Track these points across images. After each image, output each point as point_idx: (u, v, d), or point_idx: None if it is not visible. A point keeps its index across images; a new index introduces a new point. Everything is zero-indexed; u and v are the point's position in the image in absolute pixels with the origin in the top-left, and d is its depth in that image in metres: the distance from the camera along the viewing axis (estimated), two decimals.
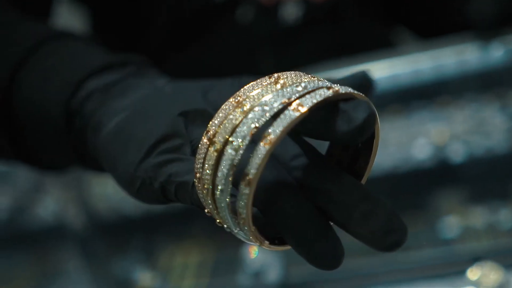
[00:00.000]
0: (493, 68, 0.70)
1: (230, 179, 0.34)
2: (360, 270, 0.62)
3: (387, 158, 0.70)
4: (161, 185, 0.39)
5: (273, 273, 0.62)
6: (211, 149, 0.34)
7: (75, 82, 0.47)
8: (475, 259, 0.59)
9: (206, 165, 0.35)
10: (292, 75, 0.36)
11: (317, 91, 0.34)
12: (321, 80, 0.36)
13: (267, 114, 0.33)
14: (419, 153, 0.69)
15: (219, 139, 0.34)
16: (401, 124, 0.72)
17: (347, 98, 0.34)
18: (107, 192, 0.74)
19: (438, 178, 0.69)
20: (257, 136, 0.34)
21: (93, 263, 0.73)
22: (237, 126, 0.33)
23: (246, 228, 0.34)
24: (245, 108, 0.34)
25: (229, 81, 0.44)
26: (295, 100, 0.33)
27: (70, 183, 0.75)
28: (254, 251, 0.64)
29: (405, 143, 0.70)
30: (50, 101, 0.48)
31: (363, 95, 0.35)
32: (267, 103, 0.33)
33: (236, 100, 0.35)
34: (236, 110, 0.34)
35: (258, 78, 0.40)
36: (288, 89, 0.34)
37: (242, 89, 0.35)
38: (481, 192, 0.67)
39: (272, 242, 0.36)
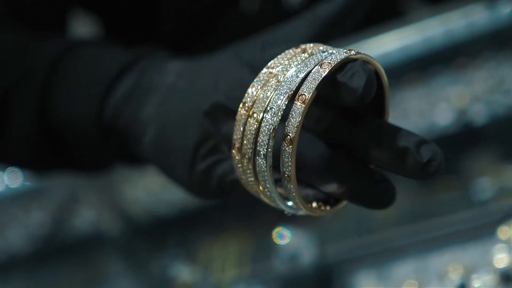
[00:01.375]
0: (503, 25, 0.69)
1: (272, 182, 0.35)
2: (393, 243, 0.62)
3: (411, 128, 0.70)
4: (216, 185, 0.42)
5: (308, 255, 0.62)
6: (244, 160, 0.36)
7: (97, 102, 0.49)
8: (505, 217, 0.58)
9: (246, 175, 0.37)
10: (280, 61, 0.37)
11: (311, 75, 0.35)
12: (310, 54, 0.36)
13: (277, 116, 0.35)
14: (442, 120, 0.68)
15: (247, 151, 0.36)
16: (421, 92, 0.70)
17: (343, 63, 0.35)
18: (140, 196, 0.75)
19: (464, 142, 0.67)
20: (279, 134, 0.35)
21: (135, 265, 0.74)
22: (257, 135, 0.35)
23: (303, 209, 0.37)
24: (255, 116, 0.35)
25: (226, 59, 0.44)
26: (296, 91, 0.35)
27: (103, 191, 0.75)
28: (279, 238, 0.66)
29: (427, 110, 0.69)
30: (81, 120, 0.50)
31: (356, 52, 0.35)
32: (272, 103, 0.35)
33: (246, 108, 0.36)
34: (250, 120, 0.35)
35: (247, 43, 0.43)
36: (285, 81, 0.35)
37: (247, 93, 0.36)
38: (509, 150, 0.66)
39: (326, 206, 0.39)
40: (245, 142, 0.36)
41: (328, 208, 0.38)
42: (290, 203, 0.37)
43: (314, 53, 0.36)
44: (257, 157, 0.35)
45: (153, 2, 0.78)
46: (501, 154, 0.66)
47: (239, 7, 0.77)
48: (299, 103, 0.34)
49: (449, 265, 0.57)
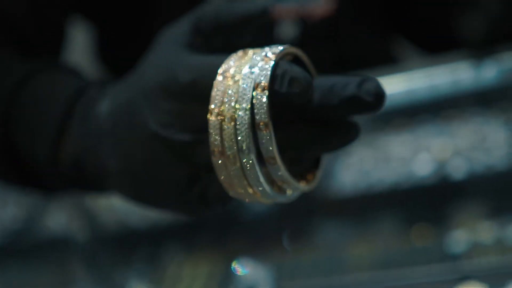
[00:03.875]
0: (488, 86, 0.70)
1: (260, 169, 0.38)
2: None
3: (390, 174, 0.69)
4: (213, 204, 0.43)
5: None
6: (229, 162, 0.38)
7: (50, 153, 0.50)
8: (462, 278, 0.58)
9: (234, 177, 0.38)
10: (217, 102, 0.38)
11: (256, 104, 0.37)
12: (235, 82, 0.38)
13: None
14: (422, 169, 0.68)
15: (231, 150, 0.38)
16: (405, 139, 0.71)
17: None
18: (113, 204, 0.74)
19: (441, 194, 0.68)
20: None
21: (99, 275, 0.73)
22: (236, 134, 0.37)
23: (294, 184, 0.39)
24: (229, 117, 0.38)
25: (151, 89, 0.43)
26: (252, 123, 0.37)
27: (77, 195, 0.76)
28: (241, 269, 0.66)
29: (408, 158, 0.69)
30: (39, 163, 0.51)
31: (273, 53, 0.38)
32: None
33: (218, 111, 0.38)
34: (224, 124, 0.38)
35: None
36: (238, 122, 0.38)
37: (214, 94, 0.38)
38: (486, 207, 0.67)
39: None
40: (225, 143, 0.38)
41: (310, 175, 0.41)
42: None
43: (238, 78, 0.38)
44: (241, 153, 0.37)
45: (153, 9, 0.79)
46: (477, 211, 0.66)
47: None
48: (264, 131, 0.37)
49: None
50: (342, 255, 0.66)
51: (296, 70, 0.37)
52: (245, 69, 0.38)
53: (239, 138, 0.37)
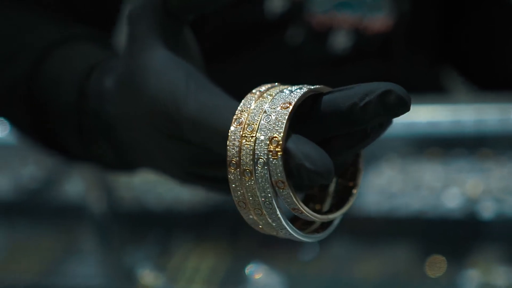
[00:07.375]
0: None
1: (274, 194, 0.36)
2: None
3: (416, 201, 0.69)
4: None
5: None
6: (245, 176, 0.36)
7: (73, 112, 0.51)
8: None
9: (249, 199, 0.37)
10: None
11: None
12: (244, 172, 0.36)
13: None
14: (449, 202, 0.68)
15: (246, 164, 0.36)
16: (438, 169, 0.71)
17: None
18: (133, 181, 0.75)
19: (465, 230, 0.67)
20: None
21: (106, 250, 0.74)
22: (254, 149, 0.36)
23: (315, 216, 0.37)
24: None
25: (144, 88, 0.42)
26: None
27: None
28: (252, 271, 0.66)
29: (437, 189, 0.69)
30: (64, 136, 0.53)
31: (275, 136, 0.35)
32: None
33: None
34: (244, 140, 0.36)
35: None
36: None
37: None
38: (506, 252, 0.66)
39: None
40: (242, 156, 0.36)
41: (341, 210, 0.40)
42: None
43: (249, 169, 0.36)
44: (257, 166, 0.35)
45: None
46: (497, 254, 0.66)
47: (284, 36, 0.79)
48: (281, 190, 0.36)
49: None
50: (351, 273, 0.66)
51: (311, 160, 0.34)
52: (256, 167, 0.35)
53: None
